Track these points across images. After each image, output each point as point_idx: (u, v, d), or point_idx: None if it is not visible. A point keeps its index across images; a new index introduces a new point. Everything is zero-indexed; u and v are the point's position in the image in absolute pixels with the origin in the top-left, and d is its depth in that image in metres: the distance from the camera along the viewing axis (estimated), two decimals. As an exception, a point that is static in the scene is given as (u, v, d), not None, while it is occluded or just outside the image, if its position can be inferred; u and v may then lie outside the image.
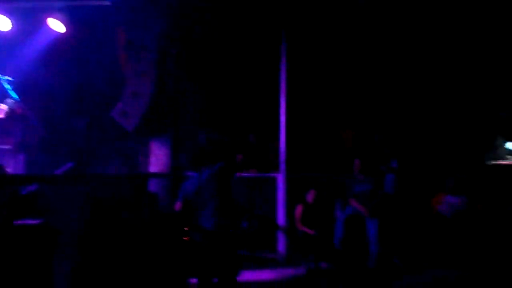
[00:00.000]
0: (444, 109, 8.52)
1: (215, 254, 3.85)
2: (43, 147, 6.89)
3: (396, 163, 7.27)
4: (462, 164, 7.76)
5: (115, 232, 4.64)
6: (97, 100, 7.37)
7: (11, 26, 6.39)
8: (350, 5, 7.51)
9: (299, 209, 6.72)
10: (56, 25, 6.56)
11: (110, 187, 5.24)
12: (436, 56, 8.36)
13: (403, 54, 8.27)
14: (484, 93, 8.49)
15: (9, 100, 6.36)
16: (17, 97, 6.33)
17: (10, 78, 6.31)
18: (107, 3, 6.36)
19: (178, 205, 4.09)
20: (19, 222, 4.10)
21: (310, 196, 6.75)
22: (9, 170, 5.80)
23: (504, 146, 8.34)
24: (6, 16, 6.31)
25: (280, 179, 7.19)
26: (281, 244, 7.11)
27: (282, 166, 7.17)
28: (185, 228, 5.20)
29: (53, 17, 6.49)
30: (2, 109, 6.32)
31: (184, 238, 5.36)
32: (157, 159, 6.27)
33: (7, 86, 6.27)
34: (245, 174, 7.24)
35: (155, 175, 6.12)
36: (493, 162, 7.97)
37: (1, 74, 6.28)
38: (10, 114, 6.32)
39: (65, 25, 6.54)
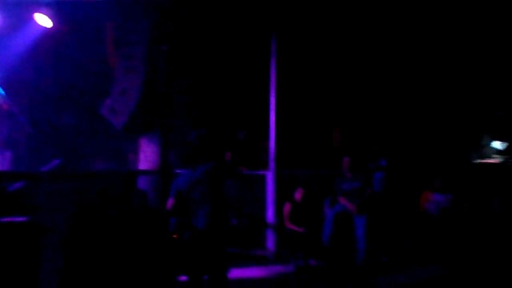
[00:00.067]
0: (432, 108, 8.61)
1: (205, 252, 3.85)
2: (30, 144, 6.81)
3: (385, 161, 7.34)
4: (449, 163, 7.86)
5: (103, 229, 4.60)
6: (86, 96, 7.30)
7: (-2, 20, 6.29)
8: (340, 3, 7.54)
9: (287, 207, 6.74)
10: (43, 20, 6.47)
11: (98, 184, 5.20)
12: (424, 56, 8.44)
13: (393, 53, 8.33)
14: (471, 92, 8.60)
15: (-5, 96, 6.26)
16: (3, 92, 6.24)
17: (-4, 74, 6.21)
18: (96, -3, 6.30)
19: (170, 202, 4.06)
20: (5, 219, 4.05)
21: (298, 194, 6.78)
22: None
23: (490, 145, 8.46)
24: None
25: (270, 176, 7.20)
26: (270, 242, 7.13)
27: (272, 164, 7.19)
28: (174, 236, 5.20)
29: (40, 12, 6.40)
30: (-12, 105, 6.23)
31: (173, 235, 5.35)
32: (146, 156, 6.23)
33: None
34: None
35: (144, 172, 6.08)
36: (479, 161, 8.08)
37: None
38: (-4, 110, 6.23)
39: (52, 20, 6.46)
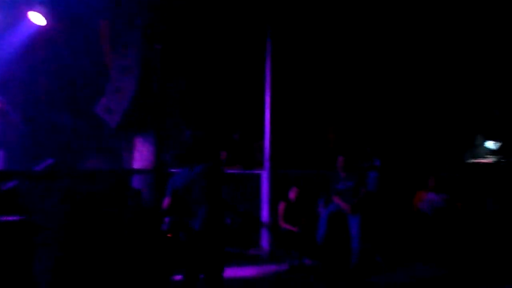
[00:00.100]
0: (426, 109, 8.65)
1: (201, 252, 3.83)
2: (23, 143, 6.77)
3: (379, 161, 7.36)
4: (443, 163, 7.90)
5: (97, 228, 4.60)
6: (80, 95, 7.26)
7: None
8: (335, 3, 7.55)
9: (281, 206, 6.76)
10: (37, 18, 6.42)
11: (92, 183, 5.19)
12: (419, 57, 8.48)
13: (388, 54, 8.36)
14: (464, 93, 8.64)
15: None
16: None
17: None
18: (90, -4, 6.27)
19: (166, 201, 4.03)
20: (-1, 218, 4.03)
21: (292, 194, 6.79)
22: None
23: (484, 145, 8.51)
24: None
25: (264, 176, 7.20)
26: (265, 241, 7.14)
27: (267, 163, 7.19)
28: (168, 235, 5.19)
29: (34, 10, 6.35)
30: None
31: (167, 235, 5.34)
32: (141, 155, 6.21)
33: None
34: (230, 171, 7.23)
35: (138, 171, 6.06)
36: (473, 161, 8.12)
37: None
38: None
39: (46, 18, 6.41)
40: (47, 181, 4.59)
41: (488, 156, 8.26)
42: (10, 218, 4.09)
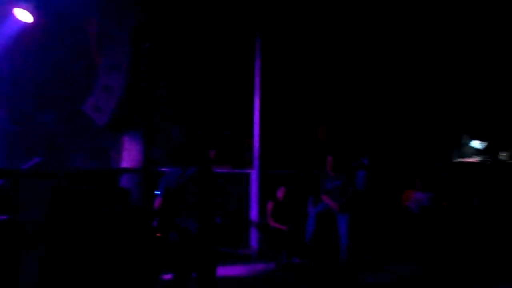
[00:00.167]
0: (413, 108, 8.73)
1: (194, 251, 3.81)
2: (10, 141, 6.68)
3: (367, 160, 7.41)
4: (430, 162, 7.98)
5: (84, 227, 4.56)
6: (67, 93, 7.18)
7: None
8: (324, 3, 7.58)
9: (269, 206, 6.78)
10: (24, 15, 6.33)
11: (80, 182, 5.14)
12: (406, 57, 8.55)
13: (375, 54, 8.41)
14: (451, 93, 8.74)
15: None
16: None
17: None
18: (78, -7, 6.20)
19: (157, 202, 3.98)
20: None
21: (279, 193, 6.82)
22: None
23: (470, 145, 8.62)
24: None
25: (254, 175, 7.21)
26: (254, 240, 7.14)
27: (256, 163, 7.20)
28: (158, 234, 5.16)
29: (20, 7, 6.26)
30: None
31: (156, 234, 5.32)
32: (130, 154, 6.17)
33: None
34: (219, 170, 7.22)
35: (126, 170, 6.02)
36: (459, 160, 8.22)
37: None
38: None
39: (32, 15, 6.32)
40: (34, 180, 4.54)
41: (474, 155, 8.37)
42: (-4, 218, 4.04)
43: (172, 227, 3.85)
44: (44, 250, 4.25)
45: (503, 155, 8.22)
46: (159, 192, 4.01)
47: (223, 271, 5.63)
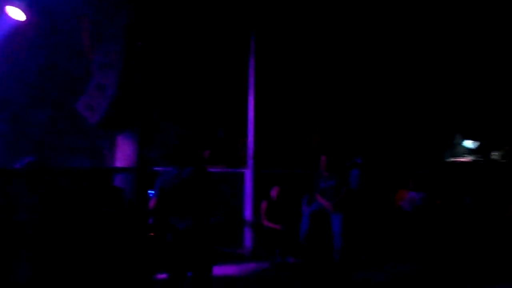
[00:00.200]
0: (407, 109, 8.78)
1: (190, 252, 3.80)
2: (2, 140, 6.62)
3: (361, 160, 7.44)
4: (423, 161, 8.04)
5: (77, 226, 4.54)
6: (60, 92, 7.13)
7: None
8: (319, 3, 7.60)
9: (263, 205, 6.79)
10: (16, 13, 6.27)
11: (73, 182, 5.12)
12: (399, 59, 8.60)
13: (369, 55, 8.45)
14: (444, 93, 8.80)
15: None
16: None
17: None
18: (72, -10, 6.15)
19: (152, 202, 3.96)
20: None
21: (273, 192, 6.83)
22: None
23: (462, 144, 8.68)
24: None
25: (248, 174, 7.21)
26: (248, 239, 7.15)
27: (250, 162, 7.20)
28: (151, 234, 5.14)
29: (12, 5, 6.20)
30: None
31: (150, 233, 5.30)
32: (124, 153, 6.12)
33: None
34: (213, 169, 7.22)
35: (120, 169, 5.98)
36: (452, 160, 8.28)
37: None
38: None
39: (25, 13, 6.27)
40: (27, 179, 4.50)
41: (467, 155, 8.43)
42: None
43: (167, 228, 3.84)
44: (37, 249, 4.23)
45: (495, 155, 8.29)
46: (154, 192, 3.99)
47: (217, 270, 5.59)
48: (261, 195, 6.94)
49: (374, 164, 7.65)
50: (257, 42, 7.28)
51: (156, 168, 5.97)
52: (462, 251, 6.37)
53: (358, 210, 6.68)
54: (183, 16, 7.19)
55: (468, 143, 8.61)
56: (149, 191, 5.59)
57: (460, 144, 8.84)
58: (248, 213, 7.16)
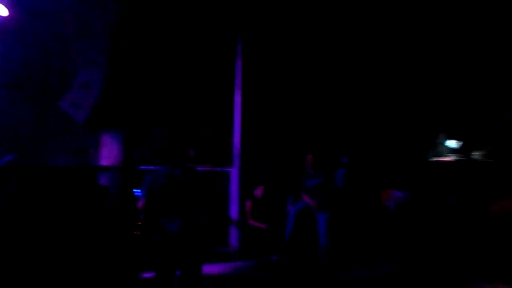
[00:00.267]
0: (391, 109, 8.88)
1: (179, 252, 3.79)
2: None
3: (347, 159, 7.50)
4: (407, 161, 8.13)
5: (60, 225, 4.49)
6: (45, 89, 7.02)
7: None
8: (305, 5, 7.63)
9: (248, 204, 6.81)
10: (-1, 9, 6.16)
11: (56, 180, 5.05)
12: (384, 60, 8.69)
13: (353, 56, 8.52)
14: (428, 94, 8.92)
15: None
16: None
17: None
18: (56, -14, 6.06)
19: (141, 203, 3.92)
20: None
21: (258, 191, 6.85)
22: None
23: (445, 144, 8.79)
24: None
25: (234, 173, 7.21)
26: (234, 238, 7.15)
27: (236, 161, 7.20)
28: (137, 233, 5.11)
29: (-5, 0, 6.08)
30: None
31: (135, 232, 5.27)
32: (109, 152, 6.06)
33: None
34: (199, 168, 7.19)
35: (105, 168, 5.93)
36: (435, 159, 8.39)
37: None
38: None
39: (8, 8, 6.16)
40: (7, 177, 4.43)
41: (450, 154, 8.54)
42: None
43: (157, 229, 3.81)
44: (17, 249, 4.17)
45: (477, 155, 8.42)
46: (141, 192, 3.97)
47: (202, 269, 5.64)
48: (248, 194, 6.95)
49: (360, 163, 7.72)
50: (244, 42, 7.28)
51: (142, 167, 5.93)
52: (444, 249, 6.47)
53: (343, 209, 6.73)
54: (170, 15, 7.15)
55: (451, 143, 8.73)
56: (134, 190, 5.56)
57: (443, 144, 8.95)
58: (234, 212, 7.16)
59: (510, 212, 6.34)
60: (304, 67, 8.27)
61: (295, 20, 7.79)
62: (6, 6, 6.13)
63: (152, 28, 6.84)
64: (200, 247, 3.93)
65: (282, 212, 6.80)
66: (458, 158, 8.36)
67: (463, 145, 8.66)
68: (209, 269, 5.94)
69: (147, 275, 5.05)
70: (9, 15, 6.20)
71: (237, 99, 7.25)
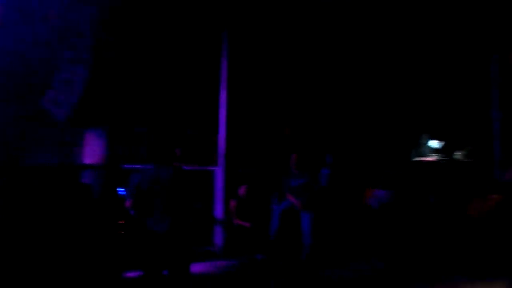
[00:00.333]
0: (375, 109, 8.98)
1: (167, 253, 3.77)
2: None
3: (330, 159, 7.56)
4: (391, 160, 8.23)
5: (42, 224, 4.44)
6: (27, 86, 6.91)
7: None
8: (291, 3, 7.66)
9: (232, 204, 6.82)
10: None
11: (39, 178, 5.00)
12: (368, 60, 8.77)
13: (337, 56, 8.59)
14: (411, 95, 9.05)
15: None
16: None
17: None
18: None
19: (129, 203, 3.88)
20: None
21: (242, 190, 6.86)
22: None
23: (428, 144, 8.93)
24: None
25: (219, 172, 7.21)
26: (218, 237, 7.15)
27: (221, 160, 7.20)
28: (120, 222, 5.07)
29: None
30: None
31: (119, 231, 5.24)
32: (92, 150, 6.01)
33: None
34: (184, 167, 7.16)
35: (89, 166, 5.87)
36: (418, 159, 8.51)
37: None
38: None
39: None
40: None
41: (432, 154, 8.67)
42: None
43: (145, 230, 3.78)
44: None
45: (458, 155, 8.57)
46: (127, 191, 3.93)
47: (187, 268, 5.62)
48: (233, 194, 6.95)
49: (344, 163, 7.79)
50: (230, 40, 7.28)
51: (126, 166, 5.89)
52: (425, 247, 6.57)
53: (327, 208, 6.78)
54: (155, 12, 7.11)
55: (434, 143, 8.87)
56: (118, 189, 5.52)
57: (426, 144, 9.09)
58: (219, 211, 7.16)
59: (489, 211, 6.47)
60: (289, 66, 8.31)
61: (281, 18, 7.81)
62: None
63: (136, 25, 6.79)
64: (188, 247, 3.91)
65: (266, 211, 6.82)
66: (440, 158, 8.50)
67: (445, 145, 8.80)
68: (194, 268, 5.92)
69: (131, 274, 5.02)
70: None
71: (223, 98, 7.26)
